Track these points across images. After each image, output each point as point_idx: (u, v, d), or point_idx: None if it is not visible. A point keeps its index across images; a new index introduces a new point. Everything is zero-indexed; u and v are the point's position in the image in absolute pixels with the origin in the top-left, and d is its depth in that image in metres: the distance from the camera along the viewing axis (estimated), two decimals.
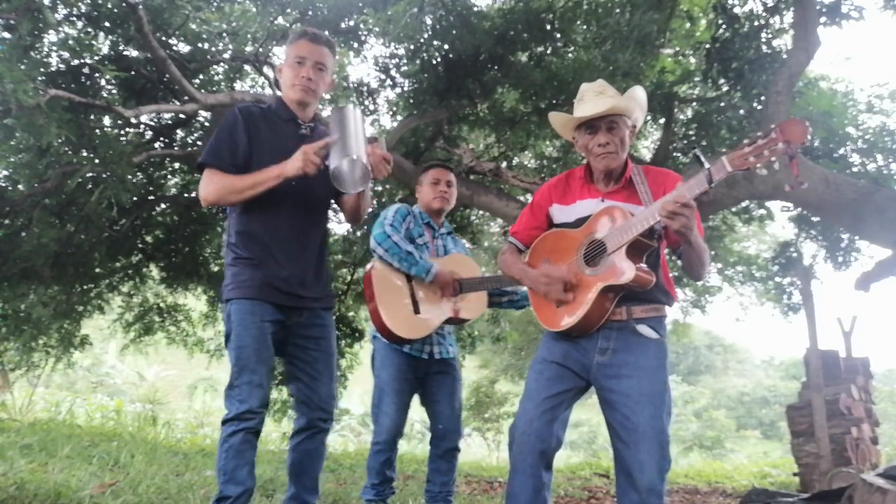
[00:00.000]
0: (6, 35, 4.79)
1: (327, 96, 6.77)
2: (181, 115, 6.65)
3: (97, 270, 7.02)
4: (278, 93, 2.46)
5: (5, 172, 5.81)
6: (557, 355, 2.18)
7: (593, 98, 2.17)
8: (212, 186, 2.18)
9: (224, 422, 2.13)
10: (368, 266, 3.09)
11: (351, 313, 8.06)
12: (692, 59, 7.08)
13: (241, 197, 2.17)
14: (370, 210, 2.81)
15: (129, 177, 5.64)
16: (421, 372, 3.05)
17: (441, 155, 7.45)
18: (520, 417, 2.14)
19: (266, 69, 6.92)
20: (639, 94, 2.22)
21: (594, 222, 2.15)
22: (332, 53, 2.32)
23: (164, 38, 5.99)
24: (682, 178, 2.09)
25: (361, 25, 6.25)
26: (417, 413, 3.19)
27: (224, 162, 2.20)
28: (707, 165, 1.89)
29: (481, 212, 7.90)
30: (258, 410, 2.12)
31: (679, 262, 2.22)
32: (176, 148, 7.11)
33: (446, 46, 5.83)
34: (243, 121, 2.25)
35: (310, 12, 6.17)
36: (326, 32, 6.69)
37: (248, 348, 2.14)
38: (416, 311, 2.97)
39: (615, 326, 2.12)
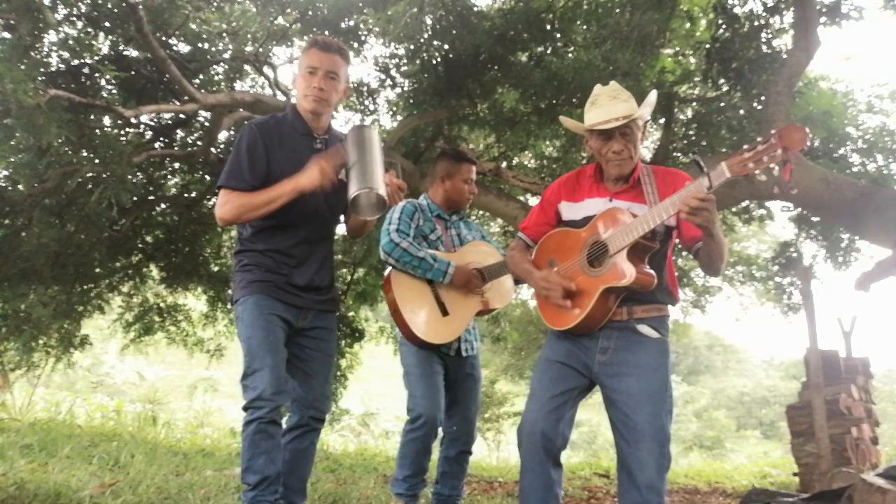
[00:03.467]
0: (6, 35, 4.79)
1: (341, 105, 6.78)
2: (181, 115, 6.64)
3: (97, 270, 7.01)
4: (293, 100, 2.46)
5: (5, 172, 5.81)
6: (560, 354, 2.21)
7: (607, 103, 2.16)
8: (228, 206, 2.20)
9: (243, 410, 2.18)
10: (387, 272, 2.98)
11: (351, 313, 8.06)
12: (692, 59, 7.07)
13: (258, 214, 2.18)
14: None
15: (129, 177, 5.63)
16: (446, 365, 2.94)
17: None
18: (526, 418, 2.17)
19: (266, 69, 6.92)
20: (653, 99, 2.24)
21: (598, 223, 2.17)
22: (344, 61, 2.32)
23: (164, 38, 5.99)
24: (690, 178, 2.09)
25: (361, 25, 6.25)
26: None
27: (242, 182, 2.21)
28: (706, 171, 1.91)
29: (481, 212, 7.90)
30: (269, 398, 2.12)
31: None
32: (176, 148, 7.10)
33: (446, 46, 5.83)
34: (261, 137, 2.25)
35: (310, 12, 6.18)
36: (326, 32, 6.68)
37: (255, 338, 2.17)
38: (444, 312, 2.85)
39: (616, 326, 2.15)
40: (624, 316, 2.14)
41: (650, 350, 2.12)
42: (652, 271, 2.10)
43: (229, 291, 7.93)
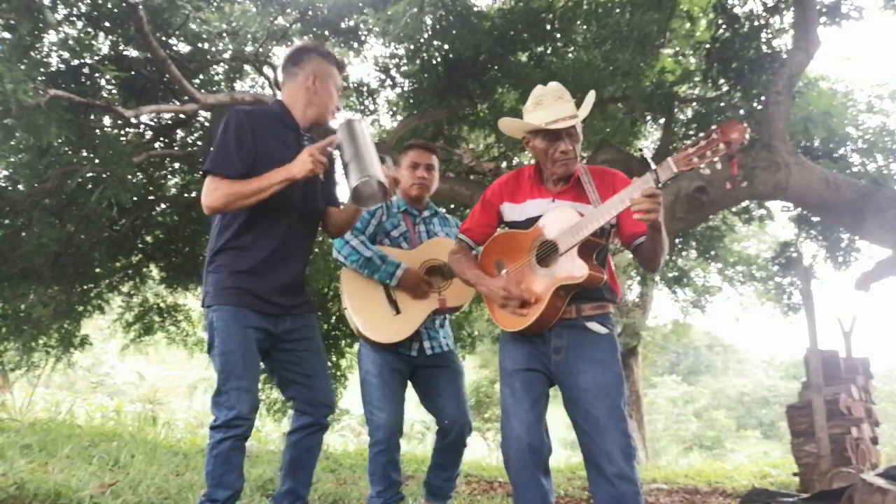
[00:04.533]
0: (6, 35, 4.79)
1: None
2: (181, 115, 6.65)
3: (97, 270, 7.01)
4: (278, 95, 2.46)
5: (5, 172, 5.81)
6: (521, 361, 2.22)
7: (553, 103, 2.17)
8: (217, 193, 2.12)
9: (212, 427, 2.11)
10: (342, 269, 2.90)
11: None
12: (692, 59, 7.08)
13: (246, 203, 2.12)
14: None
15: (129, 177, 5.63)
16: (411, 367, 2.85)
17: (441, 155, 7.44)
18: (508, 436, 2.17)
19: (266, 69, 6.92)
20: (591, 99, 2.24)
21: (545, 222, 2.19)
22: None
23: (164, 38, 5.99)
24: (629, 179, 2.11)
25: (361, 25, 6.26)
26: (416, 413, 3.09)
27: (232, 169, 2.13)
28: (654, 167, 1.94)
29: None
30: (247, 416, 2.10)
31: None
32: (176, 148, 7.11)
33: (446, 46, 5.83)
34: (249, 124, 2.20)
35: (310, 12, 6.18)
36: (326, 32, 6.66)
37: (233, 354, 2.12)
38: (397, 310, 2.77)
39: (566, 325, 2.18)
40: (573, 314, 2.17)
41: (602, 346, 2.16)
42: (602, 268, 2.14)
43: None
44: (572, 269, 2.08)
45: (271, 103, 2.39)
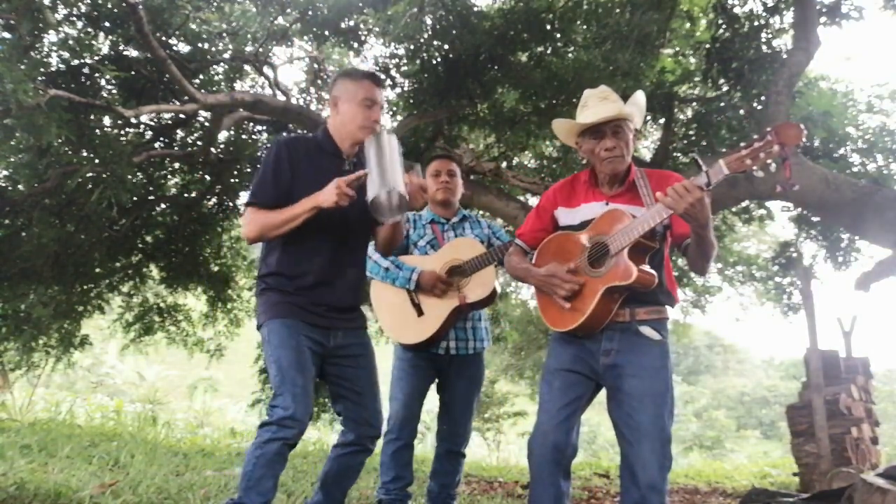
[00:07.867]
0: (6, 35, 4.79)
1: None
2: (181, 115, 6.64)
3: (97, 270, 7.00)
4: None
5: (5, 172, 5.80)
6: (566, 362, 2.23)
7: (597, 104, 2.21)
8: (252, 225, 2.19)
9: (262, 425, 2.07)
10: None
11: None
12: (692, 59, 7.08)
13: (280, 231, 2.18)
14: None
15: (129, 177, 5.63)
16: (438, 365, 2.97)
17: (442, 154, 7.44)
18: (536, 430, 2.19)
19: (266, 69, 6.92)
20: (640, 99, 2.28)
21: (597, 224, 2.18)
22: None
23: (164, 38, 5.98)
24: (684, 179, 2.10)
25: (361, 25, 6.25)
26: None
27: (268, 200, 2.20)
28: (705, 168, 1.92)
29: (481, 212, 7.90)
30: (300, 419, 2.06)
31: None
32: (176, 148, 7.10)
33: (446, 46, 5.83)
34: (287, 155, 2.25)
35: (310, 12, 6.17)
36: (326, 32, 6.63)
37: (286, 359, 2.12)
38: (420, 312, 2.91)
39: (618, 328, 2.16)
40: (626, 317, 2.15)
41: (653, 352, 2.15)
42: (653, 270, 2.11)
43: (229, 291, 7.96)
44: (622, 270, 2.07)
45: (319, 130, 2.42)
